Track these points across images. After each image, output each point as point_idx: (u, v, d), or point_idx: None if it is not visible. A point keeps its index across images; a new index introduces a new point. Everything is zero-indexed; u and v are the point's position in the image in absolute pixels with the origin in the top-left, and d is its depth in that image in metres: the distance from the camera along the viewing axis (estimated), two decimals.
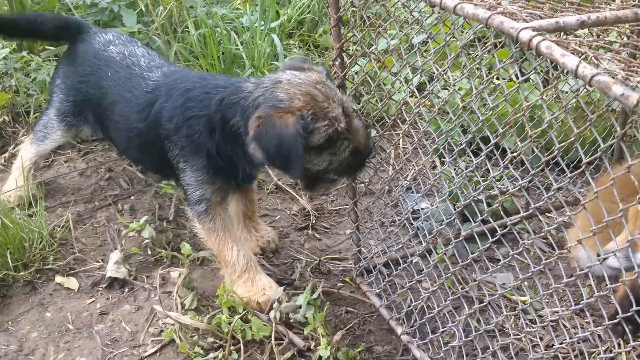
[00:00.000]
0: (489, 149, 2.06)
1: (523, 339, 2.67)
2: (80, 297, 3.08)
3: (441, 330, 2.73)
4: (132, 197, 3.73)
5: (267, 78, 2.55)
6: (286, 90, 2.41)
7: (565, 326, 2.74)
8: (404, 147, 3.85)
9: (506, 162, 1.99)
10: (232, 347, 2.68)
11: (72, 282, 3.15)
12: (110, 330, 2.88)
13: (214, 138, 2.65)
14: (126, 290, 3.09)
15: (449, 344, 2.65)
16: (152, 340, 2.80)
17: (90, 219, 3.57)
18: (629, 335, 1.97)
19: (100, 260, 3.27)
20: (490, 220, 2.45)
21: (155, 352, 2.75)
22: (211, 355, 2.67)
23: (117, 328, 2.89)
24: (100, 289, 3.11)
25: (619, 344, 2.55)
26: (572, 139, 1.68)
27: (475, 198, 2.36)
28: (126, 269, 3.14)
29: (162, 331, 2.82)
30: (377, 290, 3.00)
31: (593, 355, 2.57)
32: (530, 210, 1.94)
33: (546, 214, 3.26)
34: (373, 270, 3.06)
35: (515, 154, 1.93)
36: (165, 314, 2.80)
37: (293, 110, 2.35)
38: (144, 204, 3.66)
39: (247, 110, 2.48)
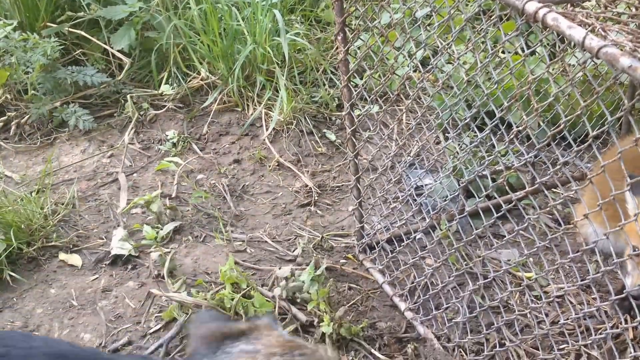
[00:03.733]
0: (493, 124, 2.03)
1: (528, 315, 2.66)
2: (84, 274, 3.08)
3: (445, 306, 2.73)
4: (134, 174, 3.71)
5: None
6: None
7: (571, 302, 2.72)
8: (407, 123, 3.82)
9: (511, 137, 1.96)
10: None
11: (75, 259, 3.15)
12: (114, 306, 2.89)
13: None
14: (129, 267, 3.09)
15: (453, 320, 2.65)
16: (156, 317, 2.81)
17: (93, 197, 3.56)
18: (636, 311, 1.95)
19: (104, 237, 3.27)
20: (495, 195, 2.43)
21: (160, 328, 2.76)
22: None
23: (121, 304, 2.89)
24: (104, 265, 3.11)
25: (625, 320, 2.53)
26: (579, 112, 1.65)
27: (480, 173, 2.33)
28: (130, 246, 3.14)
29: (161, 311, 2.82)
30: (380, 267, 2.99)
31: (599, 331, 2.56)
32: (536, 185, 1.92)
33: (552, 189, 3.23)
34: (376, 246, 3.05)
35: (520, 128, 1.90)
36: (163, 294, 2.80)
37: None
38: (147, 181, 3.65)
39: None
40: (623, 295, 1.82)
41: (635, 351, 2.05)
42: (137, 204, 3.35)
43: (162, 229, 3.18)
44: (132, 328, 2.77)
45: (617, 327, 2.15)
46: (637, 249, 1.72)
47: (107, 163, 3.82)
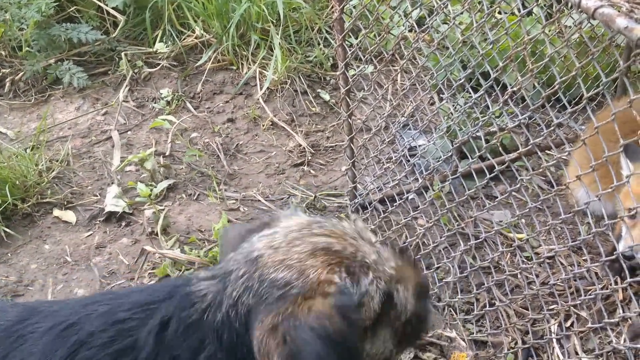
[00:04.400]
0: (488, 84, 2.02)
1: (519, 276, 2.69)
2: (78, 230, 3.09)
3: (436, 266, 2.76)
4: (129, 132, 3.70)
5: (232, 263, 1.51)
6: (280, 263, 1.43)
7: (562, 264, 2.75)
8: (402, 83, 3.79)
9: (506, 98, 1.96)
10: None
11: (69, 216, 3.16)
12: (108, 262, 2.91)
13: None
14: (123, 224, 3.10)
15: (444, 280, 2.68)
16: (149, 273, 2.83)
17: (88, 154, 3.56)
18: (626, 272, 1.98)
19: (98, 195, 3.27)
20: (489, 157, 2.43)
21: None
22: None
23: (115, 261, 2.91)
24: (98, 222, 3.12)
25: (615, 282, 2.57)
26: (574, 73, 1.64)
27: (474, 135, 2.33)
28: (124, 203, 3.14)
29: (154, 267, 2.84)
30: (373, 227, 3.00)
31: (589, 292, 2.60)
32: (529, 147, 1.92)
33: (546, 151, 3.23)
34: (368, 206, 3.06)
35: (515, 89, 1.89)
36: (157, 251, 2.82)
37: (319, 288, 1.38)
38: (141, 139, 3.63)
39: (227, 327, 1.42)
40: (613, 257, 1.84)
41: (624, 312, 2.09)
42: (131, 162, 3.35)
43: (155, 187, 3.18)
44: (125, 284, 2.80)
45: (607, 289, 2.18)
46: (630, 211, 1.74)
47: (101, 121, 3.80)
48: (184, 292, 1.47)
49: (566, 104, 1.80)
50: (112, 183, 3.29)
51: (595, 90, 1.60)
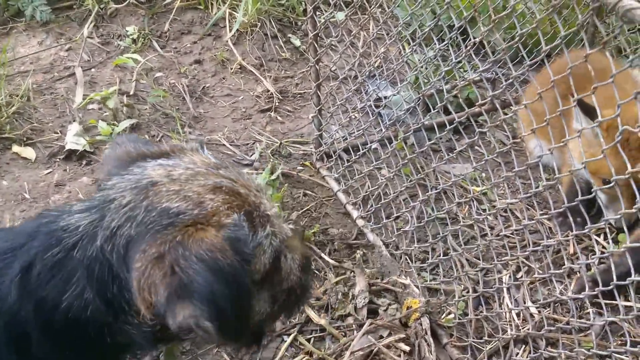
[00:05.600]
0: (453, 35, 2.01)
1: (475, 227, 2.73)
2: (38, 167, 3.05)
3: (395, 215, 2.79)
4: (92, 70, 3.62)
5: (114, 190, 1.35)
6: (176, 193, 1.30)
7: (517, 217, 2.80)
8: (371, 32, 3.75)
9: (469, 49, 1.95)
10: None
11: (29, 152, 3.11)
12: (67, 201, 2.88)
13: (29, 354, 1.35)
14: (84, 162, 3.07)
15: (402, 230, 2.72)
16: None
17: (49, 90, 3.48)
18: (573, 226, 2.02)
19: (59, 132, 3.22)
20: (451, 111, 2.44)
21: None
22: None
23: (74, 200, 2.89)
24: (58, 160, 3.08)
25: (566, 236, 2.62)
26: (535, 25, 1.64)
27: (440, 88, 2.33)
28: (85, 141, 3.10)
29: None
30: (336, 175, 3.02)
31: (540, 244, 2.66)
32: (488, 99, 1.93)
33: (510, 107, 3.25)
34: (333, 155, 3.07)
35: (477, 40, 1.88)
36: None
37: (213, 218, 1.28)
38: (105, 76, 3.56)
39: (100, 262, 1.29)
40: (561, 210, 1.88)
41: (573, 264, 2.14)
42: (94, 100, 3.29)
43: (117, 126, 3.13)
44: None
45: (555, 242, 2.23)
46: (609, 182, 1.76)
47: (65, 56, 3.71)
48: (48, 230, 1.34)
49: (524, 55, 1.79)
50: (74, 121, 3.23)
51: (554, 44, 1.60)
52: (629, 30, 3.31)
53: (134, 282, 1.22)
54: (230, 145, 3.21)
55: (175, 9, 3.89)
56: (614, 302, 1.95)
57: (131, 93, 3.43)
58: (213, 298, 1.17)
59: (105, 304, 1.29)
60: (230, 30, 3.77)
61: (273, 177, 2.83)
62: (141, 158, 1.43)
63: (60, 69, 3.61)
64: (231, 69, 3.65)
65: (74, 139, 3.10)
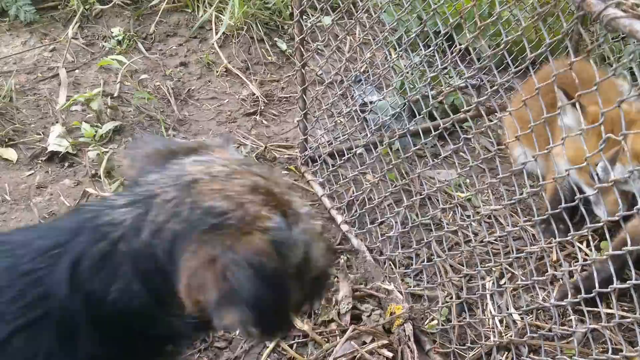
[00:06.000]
0: (439, 41, 2.01)
1: (459, 233, 2.73)
2: (19, 168, 3.01)
3: (380, 221, 2.79)
4: (76, 71, 3.58)
5: (156, 185, 1.37)
6: (218, 192, 1.33)
7: (501, 224, 2.81)
8: (358, 37, 3.75)
9: (454, 55, 1.95)
10: None
11: (10, 153, 3.07)
12: (49, 203, 2.85)
13: (80, 349, 1.36)
14: (66, 164, 3.03)
15: (386, 235, 2.71)
16: None
17: (32, 91, 3.44)
18: (556, 233, 2.03)
19: (41, 133, 3.18)
20: (437, 116, 2.44)
21: None
22: None
23: (56, 202, 2.85)
24: (40, 162, 3.04)
25: (549, 243, 2.63)
26: (520, 33, 1.64)
27: (425, 93, 2.33)
28: (68, 143, 3.07)
29: None
30: (321, 180, 3.01)
31: (523, 251, 2.66)
32: (473, 106, 1.93)
33: (495, 114, 3.26)
34: (318, 159, 3.06)
35: (462, 47, 1.89)
36: (99, 193, 2.77)
37: (257, 222, 1.31)
38: (89, 78, 3.53)
39: (147, 255, 1.31)
40: (545, 217, 1.88)
41: (556, 272, 2.15)
42: (77, 101, 3.25)
43: (101, 128, 3.10)
44: None
45: (538, 249, 2.23)
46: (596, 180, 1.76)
47: (49, 57, 3.67)
48: (93, 225, 1.35)
49: (509, 62, 1.80)
50: (57, 122, 3.20)
51: (538, 52, 1.60)
52: (613, 38, 3.33)
53: (182, 279, 1.25)
54: None
55: (161, 11, 3.87)
56: (596, 309, 1.96)
57: (115, 95, 3.40)
58: (261, 305, 1.21)
59: (150, 296, 1.32)
60: (217, 33, 3.76)
61: None
62: (171, 154, 1.45)
63: (44, 70, 3.57)
64: (217, 72, 3.63)
65: (56, 141, 3.07)
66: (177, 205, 1.31)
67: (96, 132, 3.07)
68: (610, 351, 1.89)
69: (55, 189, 2.91)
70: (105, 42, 3.73)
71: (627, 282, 1.66)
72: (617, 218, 1.56)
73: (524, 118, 1.77)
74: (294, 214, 1.40)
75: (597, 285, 1.78)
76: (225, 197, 1.31)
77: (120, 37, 3.73)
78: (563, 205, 1.74)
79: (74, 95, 3.30)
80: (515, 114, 1.76)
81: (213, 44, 3.74)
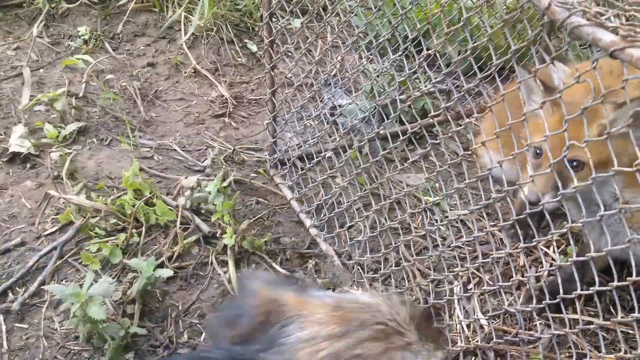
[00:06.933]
0: (407, 45, 2.01)
1: (428, 238, 2.73)
2: None
3: (349, 225, 2.77)
4: (41, 70, 3.50)
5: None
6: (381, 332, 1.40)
7: (468, 228, 2.81)
8: (327, 40, 3.74)
9: (420, 60, 1.94)
10: (135, 230, 2.63)
11: None
12: (9, 205, 2.77)
13: None
14: (28, 166, 2.96)
15: (355, 239, 2.70)
16: (52, 219, 2.72)
17: None
18: (521, 238, 2.03)
19: (3, 134, 3.10)
20: (405, 121, 2.43)
21: (55, 231, 2.67)
22: (113, 237, 2.62)
23: (17, 204, 2.78)
24: (1, 162, 2.97)
25: (515, 247, 2.64)
26: (485, 40, 1.64)
27: (395, 98, 2.32)
28: (30, 144, 2.99)
29: (58, 213, 2.72)
30: (290, 183, 2.98)
31: (487, 256, 2.67)
32: (441, 111, 1.92)
33: (462, 119, 3.27)
34: (287, 162, 3.03)
35: (430, 52, 1.88)
36: (61, 196, 2.70)
37: None
38: (53, 77, 3.45)
39: None
40: (510, 222, 1.89)
41: (522, 277, 2.15)
42: (41, 101, 3.18)
43: (65, 129, 3.04)
44: (26, 229, 2.68)
45: (507, 254, 2.24)
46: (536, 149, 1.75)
47: (12, 56, 3.59)
48: None
49: (477, 70, 1.79)
50: (19, 122, 3.12)
51: (504, 59, 1.60)
52: (580, 45, 3.37)
53: None
54: (182, 150, 3.14)
55: (129, 11, 3.81)
56: (561, 315, 1.96)
57: (80, 95, 3.33)
58: None
59: None
60: (186, 34, 3.71)
61: (225, 184, 2.78)
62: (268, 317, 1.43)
63: (7, 69, 3.49)
64: (185, 72, 3.58)
65: (18, 141, 2.99)
66: None
67: (59, 132, 3.01)
68: (574, 356, 1.90)
69: (16, 190, 2.84)
70: (71, 41, 3.66)
71: (591, 288, 1.67)
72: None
73: (493, 124, 1.77)
74: (415, 351, 1.42)
75: (561, 291, 1.79)
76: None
77: (86, 37, 3.66)
78: (528, 210, 1.74)
79: (37, 94, 3.23)
80: (494, 120, 1.76)
81: (182, 44, 3.69)
